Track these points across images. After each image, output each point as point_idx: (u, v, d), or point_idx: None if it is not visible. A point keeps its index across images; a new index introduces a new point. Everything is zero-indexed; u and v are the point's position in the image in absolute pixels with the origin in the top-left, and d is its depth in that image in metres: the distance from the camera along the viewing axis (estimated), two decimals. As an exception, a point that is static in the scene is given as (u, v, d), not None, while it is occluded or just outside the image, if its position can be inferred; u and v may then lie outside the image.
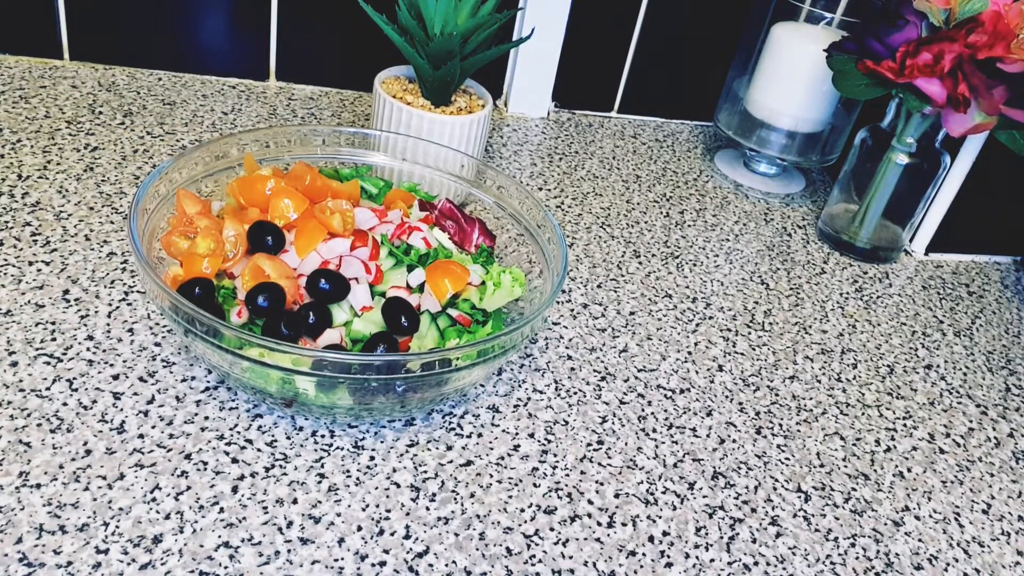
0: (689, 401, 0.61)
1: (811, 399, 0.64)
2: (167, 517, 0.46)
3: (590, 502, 0.52)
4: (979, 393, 0.69)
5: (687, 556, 0.50)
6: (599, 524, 0.51)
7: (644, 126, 1.00)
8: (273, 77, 0.90)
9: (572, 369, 0.62)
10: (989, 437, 0.65)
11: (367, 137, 0.66)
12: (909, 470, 0.60)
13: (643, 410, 0.60)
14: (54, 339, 0.55)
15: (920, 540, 0.55)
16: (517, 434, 0.55)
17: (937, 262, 0.86)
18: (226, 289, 0.53)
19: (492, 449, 0.54)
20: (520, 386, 0.59)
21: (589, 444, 0.56)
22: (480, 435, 0.55)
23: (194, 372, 0.55)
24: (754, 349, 0.68)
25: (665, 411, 0.60)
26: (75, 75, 0.83)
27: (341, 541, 0.47)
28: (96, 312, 0.57)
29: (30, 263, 0.60)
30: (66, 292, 0.58)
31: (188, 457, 0.49)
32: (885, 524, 0.55)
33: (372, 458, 0.52)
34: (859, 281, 0.80)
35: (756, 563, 0.51)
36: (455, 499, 0.50)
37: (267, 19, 0.86)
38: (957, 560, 0.54)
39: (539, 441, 0.55)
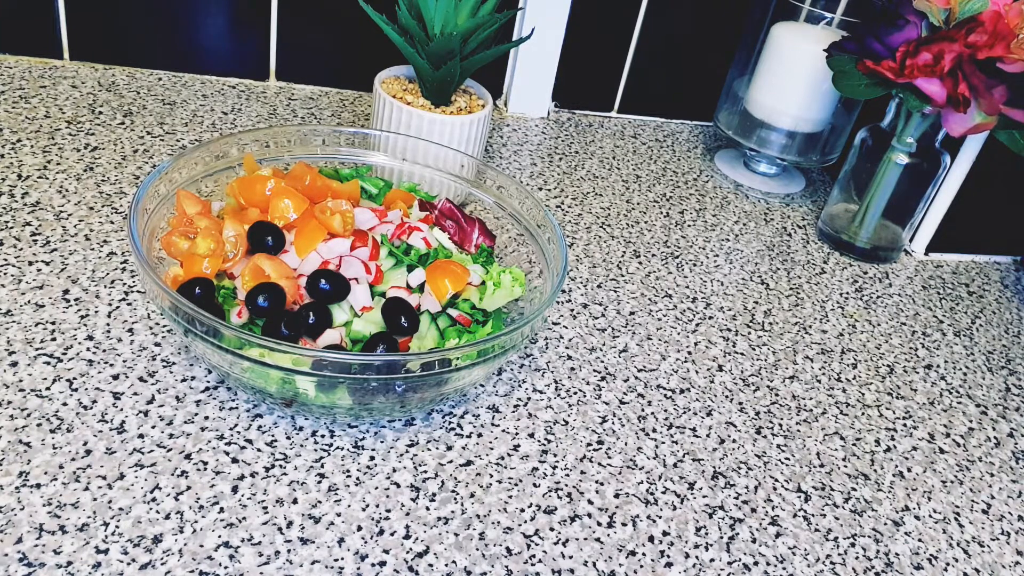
0: (689, 401, 0.61)
1: (811, 399, 0.64)
2: (167, 517, 0.46)
3: (590, 502, 0.52)
4: (979, 393, 0.69)
5: (687, 556, 0.50)
6: (599, 524, 0.51)
7: (644, 126, 1.00)
8: (273, 77, 0.90)
9: (572, 369, 0.62)
10: (989, 437, 0.65)
11: (367, 137, 0.66)
12: (909, 470, 0.60)
13: (643, 410, 0.60)
14: (54, 339, 0.55)
15: (920, 540, 0.55)
16: (517, 434, 0.55)
17: (937, 262, 0.86)
18: (226, 289, 0.53)
19: (492, 449, 0.54)
20: (520, 386, 0.59)
21: (589, 444, 0.56)
22: (480, 435, 0.55)
23: (194, 372, 0.55)
24: (754, 349, 0.68)
25: (665, 411, 0.60)
26: (75, 75, 0.83)
27: (341, 541, 0.47)
28: (96, 312, 0.57)
29: (30, 263, 0.60)
30: (66, 292, 0.58)
31: (188, 457, 0.49)
32: (885, 524, 0.55)
33: (372, 458, 0.52)
34: (859, 281, 0.80)
35: (756, 563, 0.51)
36: (455, 499, 0.50)
37: (267, 19, 0.86)
38: (957, 560, 0.54)
39: (539, 441, 0.55)
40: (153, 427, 0.50)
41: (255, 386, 0.50)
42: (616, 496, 0.53)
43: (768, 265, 0.79)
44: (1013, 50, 0.66)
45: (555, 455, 0.55)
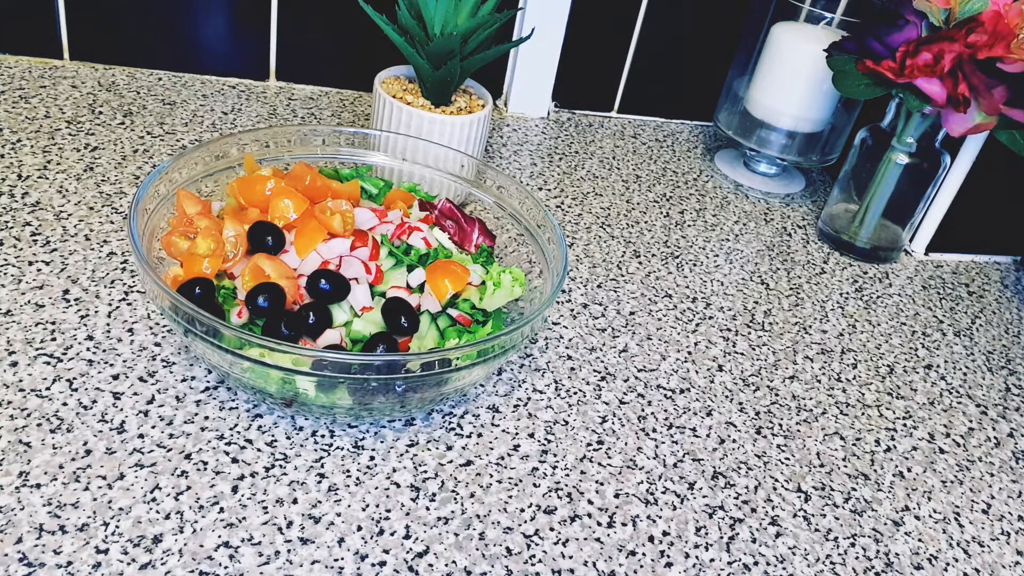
0: (689, 401, 0.61)
1: (811, 399, 0.64)
2: (167, 517, 0.46)
3: (590, 502, 0.52)
4: (979, 393, 0.69)
5: (687, 556, 0.50)
6: (599, 524, 0.51)
7: (644, 126, 1.00)
8: (273, 77, 0.90)
9: (572, 369, 0.62)
10: (989, 437, 0.65)
11: (367, 137, 0.66)
12: (909, 470, 0.60)
13: (643, 410, 0.60)
14: (54, 339, 0.55)
15: (920, 540, 0.55)
16: (517, 434, 0.55)
17: (937, 262, 0.86)
18: (226, 289, 0.53)
19: (492, 449, 0.54)
20: (520, 386, 0.59)
21: (589, 444, 0.56)
22: (480, 435, 0.55)
23: (194, 372, 0.55)
24: (754, 349, 0.68)
25: (665, 411, 0.60)
26: (75, 75, 0.83)
27: (341, 541, 0.47)
28: (96, 312, 0.57)
29: (30, 263, 0.60)
30: (66, 292, 0.58)
31: (188, 457, 0.49)
32: (885, 524, 0.55)
33: (372, 458, 0.52)
34: (859, 281, 0.80)
35: (756, 563, 0.51)
36: (455, 499, 0.50)
37: (267, 19, 0.86)
38: (957, 560, 0.54)
39: (539, 441, 0.55)
40: (153, 427, 0.50)
41: (255, 386, 0.50)
42: (616, 496, 0.53)
43: (768, 265, 0.79)
44: (1013, 50, 0.66)
45: (555, 455, 0.55)
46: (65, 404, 0.51)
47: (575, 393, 0.60)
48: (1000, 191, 0.84)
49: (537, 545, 0.49)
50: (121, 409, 0.51)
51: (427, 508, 0.49)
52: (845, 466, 0.59)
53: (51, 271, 0.60)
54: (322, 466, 0.50)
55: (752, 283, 0.76)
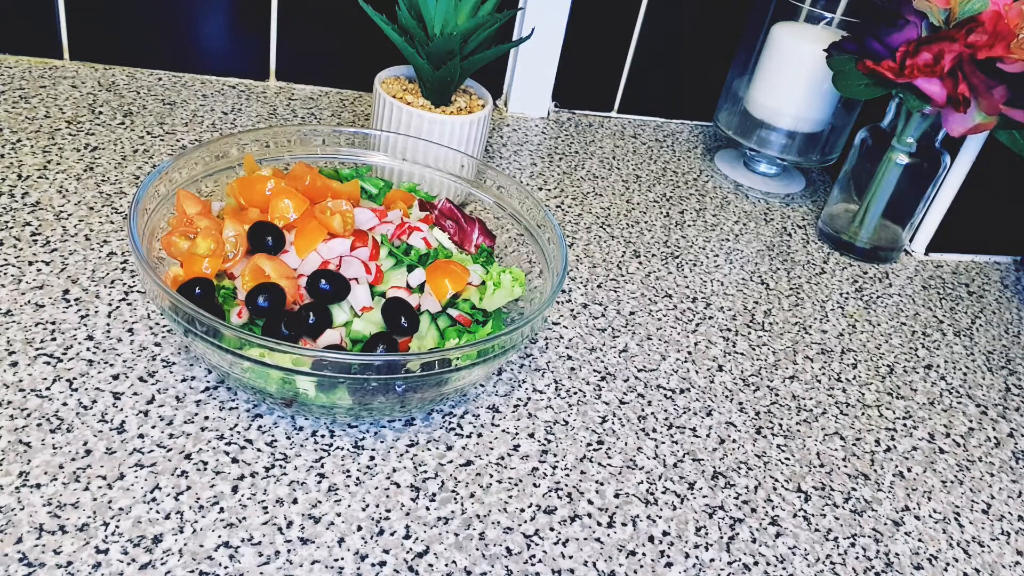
0: (689, 401, 0.61)
1: (811, 399, 0.64)
2: (167, 517, 0.46)
3: (590, 502, 0.52)
4: (979, 393, 0.69)
5: (687, 556, 0.50)
6: (599, 524, 0.51)
7: (644, 126, 1.00)
8: (273, 77, 0.90)
9: (572, 369, 0.62)
10: (989, 437, 0.65)
11: (367, 137, 0.66)
12: (909, 470, 0.60)
13: (643, 410, 0.60)
14: (54, 339, 0.55)
15: (920, 540, 0.55)
16: (517, 434, 0.55)
17: (937, 262, 0.86)
18: (226, 289, 0.53)
19: (492, 449, 0.54)
20: (520, 386, 0.59)
21: (589, 444, 0.56)
22: (480, 435, 0.55)
23: (194, 372, 0.55)
24: (754, 349, 0.68)
25: (665, 411, 0.60)
26: (75, 75, 0.83)
27: (341, 541, 0.47)
28: (96, 312, 0.57)
29: (30, 263, 0.60)
30: (66, 292, 0.58)
31: (188, 457, 0.49)
32: (885, 524, 0.55)
33: (372, 458, 0.52)
34: (859, 281, 0.80)
35: (756, 563, 0.51)
36: (455, 499, 0.50)
37: (267, 19, 0.86)
38: (957, 560, 0.54)
39: (539, 441, 0.55)
40: (153, 427, 0.50)
41: (255, 386, 0.50)
42: (616, 496, 0.53)
43: (768, 265, 0.79)
44: (1013, 50, 0.66)
45: (555, 455, 0.55)
46: (65, 404, 0.51)
47: (575, 393, 0.60)
48: (1000, 191, 0.84)
49: (537, 545, 0.49)
50: (121, 409, 0.51)
51: (427, 508, 0.49)
52: (845, 466, 0.59)
53: (51, 271, 0.60)
54: (322, 466, 0.50)
55: (752, 283, 0.76)
